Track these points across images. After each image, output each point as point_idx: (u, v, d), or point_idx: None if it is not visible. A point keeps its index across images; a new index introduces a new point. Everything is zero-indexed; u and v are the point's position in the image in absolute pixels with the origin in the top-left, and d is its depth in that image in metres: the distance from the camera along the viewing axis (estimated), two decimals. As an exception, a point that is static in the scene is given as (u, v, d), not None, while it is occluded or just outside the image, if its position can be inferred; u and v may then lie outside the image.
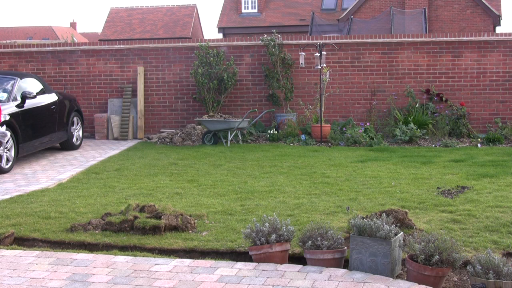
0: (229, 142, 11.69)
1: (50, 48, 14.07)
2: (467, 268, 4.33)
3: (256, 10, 32.22)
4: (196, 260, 4.84)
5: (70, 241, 5.46)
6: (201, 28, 39.15)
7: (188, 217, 5.72)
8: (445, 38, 13.20)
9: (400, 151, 10.60)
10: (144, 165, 9.50)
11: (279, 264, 4.65)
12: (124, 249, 5.24)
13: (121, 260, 4.87)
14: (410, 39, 13.28)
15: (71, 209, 6.52)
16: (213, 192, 7.36)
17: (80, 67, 13.93)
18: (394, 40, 13.34)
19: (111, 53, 13.89)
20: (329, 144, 11.76)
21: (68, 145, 11.41)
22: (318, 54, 12.39)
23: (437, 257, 4.25)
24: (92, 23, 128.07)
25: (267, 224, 4.85)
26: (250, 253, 4.82)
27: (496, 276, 4.11)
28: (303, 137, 12.10)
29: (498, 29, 28.80)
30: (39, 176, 8.73)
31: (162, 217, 5.64)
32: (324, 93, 12.56)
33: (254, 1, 32.24)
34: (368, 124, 12.61)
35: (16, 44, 14.93)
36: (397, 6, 25.10)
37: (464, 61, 13.15)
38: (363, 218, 4.92)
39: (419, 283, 4.24)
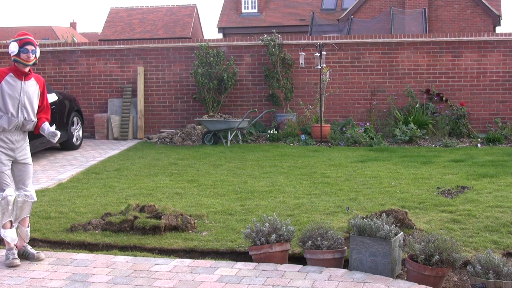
0: (229, 142, 11.69)
1: (50, 48, 14.08)
2: (467, 268, 4.33)
3: (256, 10, 32.22)
4: (196, 260, 4.84)
5: (70, 241, 5.46)
6: (201, 28, 39.14)
7: (188, 217, 5.72)
8: (445, 38, 13.21)
9: (400, 151, 10.60)
10: (144, 165, 9.50)
11: (279, 264, 4.65)
12: (124, 249, 5.24)
13: (121, 260, 4.86)
14: (410, 39, 13.28)
15: (71, 209, 6.52)
16: (213, 192, 7.36)
17: (80, 67, 13.93)
18: (394, 40, 13.34)
19: (111, 53, 13.89)
20: (329, 144, 11.76)
21: (68, 145, 11.41)
22: (318, 54, 12.39)
23: (437, 257, 4.25)
24: (92, 23, 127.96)
25: (267, 224, 4.85)
26: (250, 253, 4.81)
27: (496, 276, 4.10)
28: (303, 137, 12.10)
29: (498, 29, 28.82)
30: (39, 176, 8.73)
31: (162, 217, 5.64)
32: (324, 93, 12.57)
33: (254, 1, 32.24)
34: (368, 124, 12.61)
35: (16, 44, 14.91)
36: (397, 6, 25.10)
37: (464, 61, 13.15)
38: (363, 218, 4.92)
39: (419, 283, 4.24)
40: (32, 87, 4.92)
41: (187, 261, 4.80)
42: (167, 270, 4.59)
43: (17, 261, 4.80)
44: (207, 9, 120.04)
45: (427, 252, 4.31)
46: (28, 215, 5.01)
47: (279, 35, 13.45)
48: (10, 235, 4.85)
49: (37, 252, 4.95)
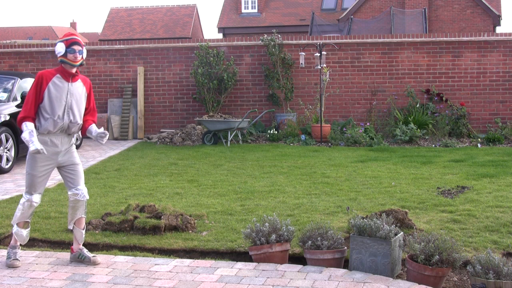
0: (229, 142, 11.69)
1: (50, 48, 14.08)
2: (467, 268, 4.33)
3: (256, 10, 32.22)
4: (196, 260, 4.83)
5: (70, 241, 5.45)
6: (201, 28, 39.14)
7: (188, 217, 5.72)
8: (445, 38, 13.21)
9: (400, 151, 10.60)
10: (144, 165, 9.50)
11: (279, 264, 4.65)
12: (124, 249, 5.23)
13: (121, 260, 4.86)
14: (410, 39, 13.28)
15: (71, 209, 6.51)
16: (213, 192, 7.36)
17: (80, 67, 13.92)
18: (394, 40, 13.34)
19: (111, 53, 13.89)
20: (329, 144, 11.76)
21: (68, 145, 11.38)
22: (318, 54, 12.39)
23: (437, 257, 4.25)
24: (92, 23, 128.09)
25: (267, 224, 4.84)
26: (250, 253, 4.81)
27: (496, 276, 4.10)
28: (303, 137, 12.10)
29: (498, 29, 28.82)
30: (39, 176, 8.72)
31: (162, 217, 5.64)
32: (324, 93, 12.57)
33: (254, 1, 32.23)
34: (368, 124, 12.61)
35: (16, 44, 14.94)
36: (397, 6, 25.10)
37: (464, 61, 13.15)
38: (363, 218, 4.91)
39: (419, 283, 4.24)
40: (79, 88, 4.79)
41: (187, 261, 4.79)
42: (167, 270, 4.59)
43: (18, 263, 4.75)
44: (207, 9, 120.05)
45: (427, 252, 4.30)
46: (83, 216, 4.87)
47: (279, 35, 13.46)
48: (21, 234, 4.77)
49: (93, 256, 4.82)
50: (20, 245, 4.93)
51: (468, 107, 13.03)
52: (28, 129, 4.59)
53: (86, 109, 4.91)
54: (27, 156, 4.71)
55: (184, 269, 4.62)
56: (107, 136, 4.86)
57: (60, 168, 4.80)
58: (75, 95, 4.76)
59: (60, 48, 4.69)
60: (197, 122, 12.71)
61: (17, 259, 4.78)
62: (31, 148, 4.53)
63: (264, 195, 7.08)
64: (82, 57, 4.76)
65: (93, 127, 4.90)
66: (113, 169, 9.19)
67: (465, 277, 4.66)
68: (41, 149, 4.56)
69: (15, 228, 4.79)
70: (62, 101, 4.69)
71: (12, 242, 4.84)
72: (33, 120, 4.65)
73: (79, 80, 4.83)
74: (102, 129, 4.86)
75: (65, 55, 4.68)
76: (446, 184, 7.59)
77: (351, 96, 13.39)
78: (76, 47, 4.70)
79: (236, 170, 8.91)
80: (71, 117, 4.74)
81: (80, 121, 4.82)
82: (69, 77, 4.73)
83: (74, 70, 4.76)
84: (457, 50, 13.17)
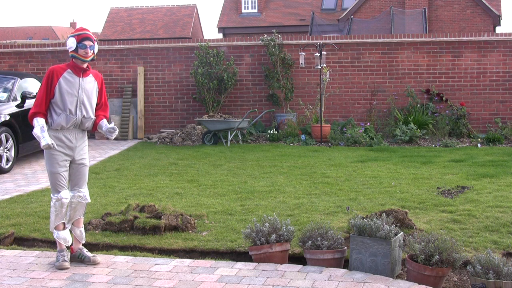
0: (229, 142, 11.69)
1: (50, 48, 14.08)
2: (467, 268, 4.33)
3: (256, 10, 32.21)
4: (196, 260, 4.83)
5: (70, 241, 5.45)
6: (201, 28, 39.13)
7: (188, 217, 5.72)
8: (445, 38, 13.21)
9: (400, 151, 10.60)
10: (144, 165, 9.50)
11: (279, 264, 4.65)
12: (124, 249, 5.23)
13: (121, 260, 4.86)
14: (410, 39, 13.28)
15: (71, 209, 6.50)
16: (213, 192, 7.36)
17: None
18: (394, 40, 13.34)
19: (111, 53, 13.89)
20: (329, 144, 11.76)
21: (68, 145, 11.38)
22: (318, 54, 12.39)
23: (437, 257, 4.25)
24: (92, 23, 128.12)
25: (267, 224, 4.84)
26: (250, 253, 4.81)
27: (496, 276, 4.10)
28: (303, 137, 12.10)
29: (498, 29, 28.80)
30: (39, 176, 8.73)
31: (162, 217, 5.64)
32: (324, 93, 12.56)
33: (254, 1, 32.22)
34: (368, 124, 12.61)
35: (16, 44, 14.93)
36: (397, 6, 25.09)
37: (464, 61, 13.15)
38: (363, 218, 4.91)
39: (419, 283, 4.24)
40: (90, 83, 4.78)
41: (187, 261, 4.79)
42: (167, 270, 4.59)
43: (67, 264, 4.68)
44: (207, 9, 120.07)
45: (427, 252, 4.30)
46: (81, 216, 4.88)
47: (279, 35, 13.45)
48: (63, 237, 4.73)
49: (93, 256, 4.80)
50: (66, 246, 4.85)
51: (468, 107, 13.03)
52: (39, 124, 4.59)
53: (97, 104, 4.88)
54: (45, 156, 4.70)
55: (184, 269, 4.62)
56: (117, 131, 4.84)
57: (70, 163, 4.78)
58: (86, 90, 4.74)
59: (71, 43, 4.68)
60: (197, 122, 12.71)
61: (65, 260, 4.70)
62: (42, 143, 4.54)
63: (264, 195, 7.08)
64: (93, 52, 4.76)
65: (104, 122, 4.89)
66: (113, 169, 9.19)
67: (465, 277, 4.66)
68: (52, 143, 4.56)
69: (55, 233, 4.75)
70: (74, 96, 4.67)
71: (58, 247, 4.78)
72: (44, 116, 4.64)
73: (91, 75, 4.83)
74: (112, 124, 4.84)
75: (76, 50, 4.68)
76: (446, 184, 7.59)
77: (351, 96, 13.39)
78: (87, 43, 4.69)
79: (236, 170, 8.91)
80: (84, 112, 4.72)
81: (93, 116, 4.80)
82: (80, 72, 4.73)
83: (85, 65, 4.76)
84: (457, 50, 13.17)
